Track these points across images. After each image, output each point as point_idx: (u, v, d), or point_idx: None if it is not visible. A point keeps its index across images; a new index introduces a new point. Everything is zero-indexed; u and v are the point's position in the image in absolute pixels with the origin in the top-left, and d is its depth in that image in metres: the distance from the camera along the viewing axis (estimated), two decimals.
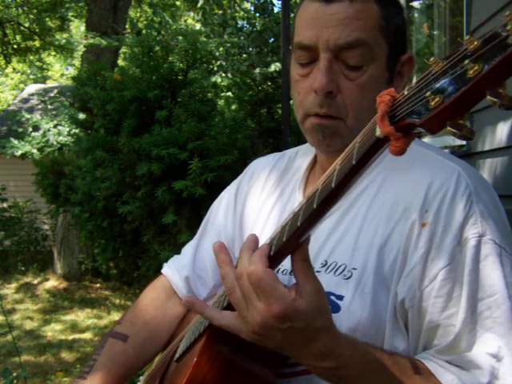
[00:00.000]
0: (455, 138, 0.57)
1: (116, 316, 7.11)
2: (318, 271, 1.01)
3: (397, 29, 1.04)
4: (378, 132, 0.63)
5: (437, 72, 0.57)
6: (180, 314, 1.31)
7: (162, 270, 1.38)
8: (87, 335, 6.40)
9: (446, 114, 0.55)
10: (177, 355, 1.09)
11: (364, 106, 1.01)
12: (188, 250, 1.37)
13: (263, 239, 1.16)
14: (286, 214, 1.14)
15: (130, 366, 1.23)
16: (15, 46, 14.89)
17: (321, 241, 1.04)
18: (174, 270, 1.34)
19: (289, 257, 0.82)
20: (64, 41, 16.79)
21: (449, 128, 0.55)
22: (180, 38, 4.00)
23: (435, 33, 4.24)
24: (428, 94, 0.56)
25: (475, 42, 0.53)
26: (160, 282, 1.36)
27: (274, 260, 0.81)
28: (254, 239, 0.85)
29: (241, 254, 0.82)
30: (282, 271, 1.05)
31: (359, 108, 1.01)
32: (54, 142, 9.18)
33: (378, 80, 1.01)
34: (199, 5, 7.46)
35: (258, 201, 1.25)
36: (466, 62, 0.53)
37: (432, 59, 0.58)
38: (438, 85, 0.56)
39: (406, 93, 0.61)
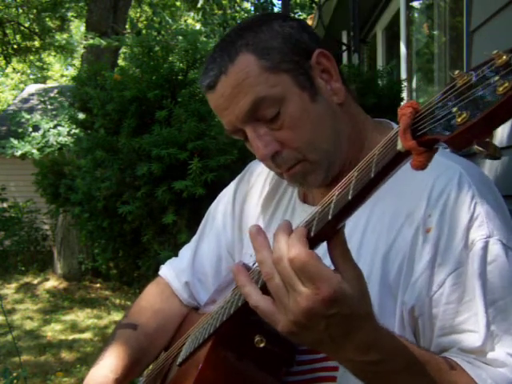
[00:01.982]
0: None
1: (116, 316, 7.10)
2: None
3: (282, 51, 0.99)
4: (400, 146, 0.61)
5: (462, 86, 0.55)
6: (183, 313, 1.31)
7: (160, 272, 1.38)
8: (87, 335, 6.39)
9: (473, 132, 0.53)
10: (179, 359, 1.08)
11: (308, 137, 1.00)
12: (186, 253, 1.36)
13: None
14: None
15: (142, 351, 1.21)
16: (15, 46, 14.89)
17: (322, 250, 1.03)
18: (173, 275, 1.34)
19: None
20: (64, 41, 16.78)
21: (476, 147, 0.53)
22: (180, 37, 3.99)
23: (435, 33, 4.24)
24: (455, 109, 0.54)
25: (504, 57, 0.51)
26: (163, 280, 1.36)
27: None
28: (289, 224, 0.78)
29: (276, 238, 0.76)
30: None
31: (306, 143, 1.00)
32: (54, 143, 9.17)
33: (301, 107, 0.99)
34: (199, 5, 7.45)
35: (257, 204, 1.24)
36: (496, 77, 0.51)
37: (457, 72, 0.56)
38: (464, 100, 0.54)
39: (429, 106, 0.59)
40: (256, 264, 0.82)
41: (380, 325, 0.78)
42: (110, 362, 1.15)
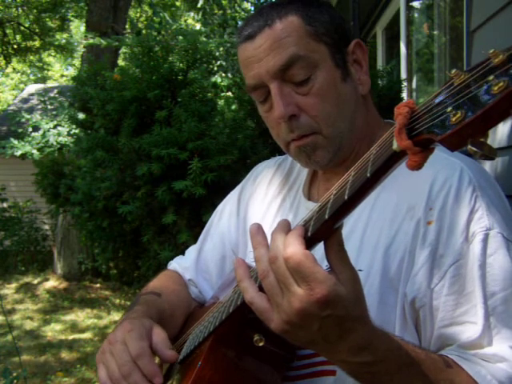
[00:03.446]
0: None
1: (116, 316, 7.10)
2: None
3: (327, 26, 1.04)
4: (395, 145, 0.60)
5: (459, 85, 0.54)
6: (191, 305, 1.31)
7: (170, 267, 1.40)
8: (87, 335, 6.39)
9: (468, 132, 0.52)
10: (180, 357, 1.08)
11: (330, 110, 1.02)
12: (191, 252, 1.38)
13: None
14: (291, 218, 1.14)
15: (166, 317, 1.18)
16: (15, 46, 14.89)
17: (321, 252, 1.03)
18: (179, 270, 1.36)
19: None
20: (64, 41, 16.78)
21: (470, 147, 0.52)
22: (180, 37, 4.00)
23: (435, 33, 4.24)
24: (449, 108, 0.54)
25: (500, 56, 0.50)
26: (174, 271, 1.37)
27: None
28: (287, 223, 0.78)
29: (273, 237, 0.76)
30: None
31: (326, 115, 1.02)
32: (54, 143, 9.17)
33: (332, 81, 1.02)
34: (199, 5, 7.46)
35: (262, 205, 1.25)
36: (491, 77, 0.50)
37: (454, 71, 0.55)
38: (459, 99, 0.53)
39: (425, 105, 0.59)
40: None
41: (374, 326, 0.78)
42: (141, 309, 1.11)
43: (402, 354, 0.81)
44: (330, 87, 1.01)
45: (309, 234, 0.73)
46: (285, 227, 0.77)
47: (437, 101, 0.57)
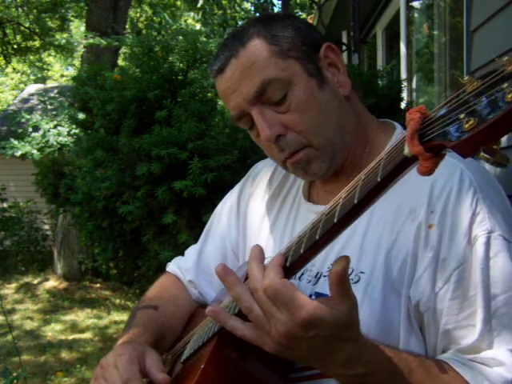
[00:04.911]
0: None
1: (116, 316, 7.10)
2: (325, 275, 1.01)
3: (292, 40, 1.03)
4: (407, 150, 0.61)
5: (471, 92, 0.55)
6: (193, 307, 1.31)
7: (168, 269, 1.39)
8: (87, 335, 6.39)
9: (480, 139, 0.53)
10: (183, 357, 1.08)
11: (313, 121, 1.01)
12: (191, 254, 1.37)
13: (270, 245, 1.16)
14: (292, 219, 1.15)
15: (165, 329, 1.19)
16: (15, 46, 14.89)
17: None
18: (179, 272, 1.35)
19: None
20: (64, 41, 16.78)
21: (482, 153, 0.53)
22: (180, 37, 4.00)
23: (435, 33, 4.24)
24: (462, 115, 0.54)
25: None
26: (172, 275, 1.37)
27: (289, 271, 0.80)
28: (259, 249, 0.84)
29: (250, 267, 0.81)
30: None
31: (311, 127, 1.01)
32: (54, 143, 9.16)
33: (309, 92, 1.01)
34: (199, 5, 7.46)
35: (262, 205, 1.25)
36: (505, 85, 0.50)
37: (466, 78, 0.56)
38: (472, 106, 0.53)
39: (437, 111, 0.59)
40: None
41: (365, 340, 0.82)
42: (137, 331, 1.12)
43: (393, 364, 0.84)
44: (309, 98, 1.01)
45: (287, 264, 0.79)
46: (258, 255, 0.82)
47: (449, 107, 0.57)
